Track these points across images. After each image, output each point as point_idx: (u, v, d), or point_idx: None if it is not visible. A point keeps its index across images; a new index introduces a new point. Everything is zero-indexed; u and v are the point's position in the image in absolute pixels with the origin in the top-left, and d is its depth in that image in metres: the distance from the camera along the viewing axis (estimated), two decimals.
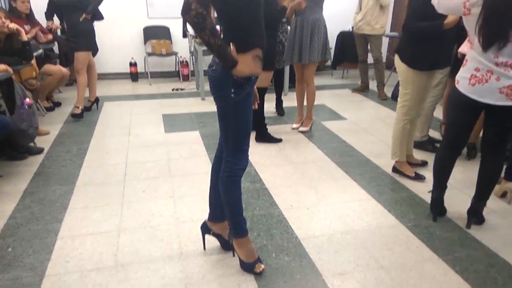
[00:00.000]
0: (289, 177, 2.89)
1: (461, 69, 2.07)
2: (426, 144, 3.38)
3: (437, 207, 2.34)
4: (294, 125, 3.94)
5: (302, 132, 3.83)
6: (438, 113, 3.73)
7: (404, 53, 2.62)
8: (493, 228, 2.28)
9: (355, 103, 4.97)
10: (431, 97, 3.19)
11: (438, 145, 3.40)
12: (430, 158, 3.12)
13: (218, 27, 1.54)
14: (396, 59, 2.67)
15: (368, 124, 4.13)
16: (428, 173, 2.88)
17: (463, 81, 2.02)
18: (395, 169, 2.92)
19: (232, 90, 1.55)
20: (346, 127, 4.02)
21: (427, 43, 2.51)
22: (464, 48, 2.84)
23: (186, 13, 1.36)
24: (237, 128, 1.65)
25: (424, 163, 3.06)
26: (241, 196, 1.80)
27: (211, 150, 3.34)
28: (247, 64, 1.51)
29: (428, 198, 2.47)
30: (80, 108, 4.12)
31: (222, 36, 1.53)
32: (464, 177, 2.86)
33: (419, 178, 2.83)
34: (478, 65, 1.94)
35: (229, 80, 1.53)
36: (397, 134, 2.81)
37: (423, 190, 2.68)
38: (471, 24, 1.91)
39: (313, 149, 3.44)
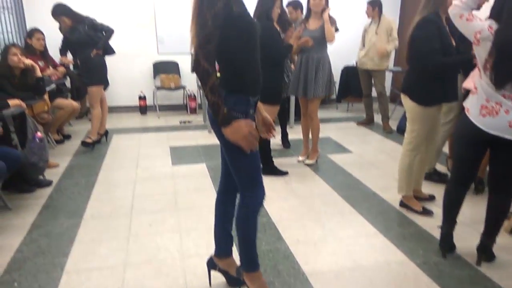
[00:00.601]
0: (296, 211, 2.89)
1: (471, 96, 2.08)
2: (432, 175, 3.38)
3: (447, 243, 2.30)
4: (300, 158, 3.96)
5: (308, 165, 3.85)
6: (444, 147, 3.74)
7: (414, 92, 2.59)
8: (504, 265, 2.23)
9: (360, 136, 5.00)
10: (443, 131, 3.22)
11: (445, 177, 3.41)
12: (437, 191, 3.11)
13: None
14: (405, 98, 2.66)
15: (374, 157, 4.14)
16: (436, 208, 2.86)
17: (474, 110, 2.03)
18: (402, 204, 2.91)
19: None
20: (352, 160, 4.03)
21: (440, 78, 2.51)
22: (468, 83, 2.89)
23: (196, 68, 1.46)
24: (246, 162, 1.66)
25: (431, 198, 3.04)
26: (256, 230, 1.80)
27: (217, 183, 3.33)
28: (238, 133, 1.52)
29: (436, 233, 2.44)
30: (92, 139, 4.21)
31: (219, 74, 1.59)
32: (472, 212, 2.83)
33: (427, 213, 2.81)
34: (488, 96, 1.96)
35: (231, 113, 1.54)
36: (404, 169, 2.80)
37: (431, 225, 2.66)
38: (481, 54, 1.95)
39: (319, 182, 3.44)
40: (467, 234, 2.53)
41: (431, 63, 2.41)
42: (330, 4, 3.56)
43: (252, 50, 1.58)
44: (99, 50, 3.99)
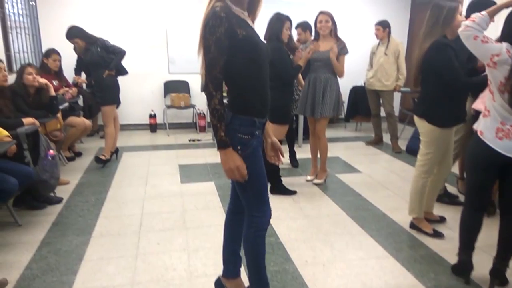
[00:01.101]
0: (304, 231, 2.87)
1: (483, 119, 2.06)
2: (442, 197, 3.35)
3: (467, 271, 2.22)
4: (309, 177, 3.95)
5: (316, 184, 3.84)
6: (454, 167, 3.71)
7: (432, 114, 2.57)
8: None
9: (369, 156, 4.99)
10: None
11: (455, 198, 3.37)
12: (448, 213, 3.08)
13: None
14: (421, 122, 2.62)
15: (383, 177, 4.11)
16: (446, 230, 2.82)
17: (488, 133, 2.01)
18: (413, 225, 2.87)
19: (239, 147, 1.60)
20: (361, 180, 4.01)
21: (458, 98, 2.53)
22: (477, 105, 2.89)
23: (204, 89, 1.57)
24: (253, 181, 1.67)
25: (442, 219, 3.00)
26: (265, 251, 1.79)
27: (226, 201, 3.33)
28: (226, 163, 1.58)
29: (447, 256, 2.40)
30: (105, 157, 4.28)
31: (227, 93, 1.65)
32: (484, 236, 2.75)
33: (438, 235, 2.76)
34: (503, 119, 1.95)
35: (235, 137, 1.59)
36: (416, 191, 2.77)
37: (443, 247, 2.61)
38: (496, 77, 1.94)
39: (328, 202, 3.42)
40: (480, 258, 2.47)
41: (461, 84, 2.43)
42: (338, 25, 3.62)
43: (257, 72, 1.61)
44: (111, 71, 4.08)
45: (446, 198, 3.36)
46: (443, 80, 2.44)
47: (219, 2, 1.52)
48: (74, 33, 4.06)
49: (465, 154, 2.43)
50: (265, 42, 1.72)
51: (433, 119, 2.57)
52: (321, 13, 3.58)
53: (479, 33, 1.94)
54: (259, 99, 1.64)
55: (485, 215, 2.91)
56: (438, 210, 3.15)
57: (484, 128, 2.04)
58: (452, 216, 3.05)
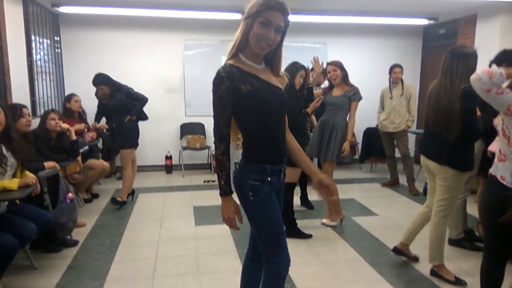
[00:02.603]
0: (321, 278, 2.80)
1: (501, 163, 2.02)
2: (463, 242, 3.26)
3: None
4: (324, 220, 3.90)
5: (330, 226, 3.79)
6: (473, 210, 3.63)
7: (456, 160, 2.56)
8: None
9: (385, 198, 4.91)
10: (461, 198, 3.19)
11: (476, 243, 3.26)
12: (468, 257, 2.97)
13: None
14: (443, 168, 2.60)
15: (400, 220, 4.02)
16: (468, 278, 2.72)
17: (509, 177, 1.97)
18: (433, 272, 2.77)
19: (250, 194, 1.66)
20: (378, 223, 3.93)
21: (472, 144, 2.62)
22: (493, 146, 2.87)
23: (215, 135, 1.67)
24: (268, 227, 1.69)
25: (416, 259, 3.03)
26: None
27: (240, 245, 3.32)
28: (223, 210, 1.68)
29: None
30: (122, 199, 4.35)
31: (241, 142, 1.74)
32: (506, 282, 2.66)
33: (460, 283, 2.66)
34: None
35: (247, 184, 1.66)
36: (437, 238, 2.71)
37: None
38: (511, 123, 1.94)
39: (345, 247, 3.35)
40: None
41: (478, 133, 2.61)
42: (347, 70, 3.73)
43: (265, 122, 1.66)
44: (132, 117, 4.23)
45: (467, 243, 3.26)
46: (469, 127, 2.49)
47: (232, 59, 1.66)
48: (100, 80, 4.26)
49: (481, 201, 2.38)
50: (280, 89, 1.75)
51: (458, 164, 2.56)
52: (328, 64, 3.76)
53: (493, 86, 1.90)
54: (269, 148, 1.69)
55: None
56: (459, 255, 3.05)
57: (503, 172, 2.00)
58: (474, 262, 2.95)
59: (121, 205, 4.35)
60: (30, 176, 2.78)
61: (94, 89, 4.99)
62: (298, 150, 1.85)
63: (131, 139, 4.35)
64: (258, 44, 1.59)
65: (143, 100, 4.27)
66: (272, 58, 1.73)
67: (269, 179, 1.68)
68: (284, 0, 1.60)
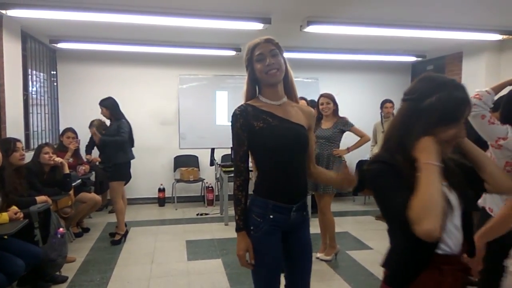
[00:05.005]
0: None
1: (488, 196, 2.03)
2: None
3: None
4: (318, 255, 3.86)
5: (325, 261, 3.75)
6: None
7: None
8: None
9: (379, 231, 4.89)
10: None
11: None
12: None
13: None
14: None
15: None
16: None
17: (497, 208, 1.96)
18: None
19: (252, 228, 1.69)
20: (373, 257, 3.89)
21: None
22: None
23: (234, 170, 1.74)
24: (257, 267, 1.69)
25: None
26: None
27: (233, 281, 3.26)
28: (238, 245, 1.68)
29: None
30: (121, 234, 4.33)
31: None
32: None
33: None
34: None
35: (251, 217, 1.70)
36: None
37: None
38: (499, 158, 1.94)
39: (340, 283, 3.31)
40: None
41: None
42: (338, 102, 3.83)
43: (275, 158, 1.68)
44: (99, 136, 4.22)
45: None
46: None
47: (252, 99, 1.73)
48: (107, 103, 4.32)
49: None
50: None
51: None
52: (321, 96, 3.84)
53: (486, 112, 1.94)
54: (276, 183, 1.69)
55: None
56: None
57: (491, 204, 2.03)
58: None
59: (123, 238, 4.33)
60: (12, 209, 2.77)
61: (88, 122, 5.06)
62: (322, 172, 1.90)
63: (121, 172, 4.31)
64: (267, 75, 1.67)
65: (117, 141, 4.19)
66: (286, 86, 1.77)
67: (271, 216, 1.67)
68: (272, 37, 1.71)
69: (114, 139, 4.19)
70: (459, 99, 1.21)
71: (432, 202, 1.09)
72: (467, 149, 1.33)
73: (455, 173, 1.29)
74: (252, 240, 1.67)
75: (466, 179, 1.31)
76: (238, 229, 1.68)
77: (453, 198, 1.26)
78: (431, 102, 1.20)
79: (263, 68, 1.65)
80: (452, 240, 1.26)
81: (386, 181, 1.25)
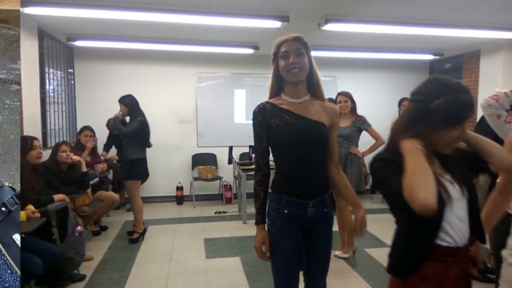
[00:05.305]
0: None
1: None
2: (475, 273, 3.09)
3: None
4: (336, 252, 3.77)
5: (343, 258, 3.67)
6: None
7: None
8: None
9: None
10: None
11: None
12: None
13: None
14: None
15: None
16: None
17: None
18: None
19: (269, 222, 1.76)
20: None
21: None
22: None
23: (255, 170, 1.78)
24: (275, 260, 1.74)
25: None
26: None
27: (251, 278, 3.20)
28: (256, 238, 1.73)
29: None
30: (139, 232, 4.30)
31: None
32: None
33: None
34: None
35: (269, 212, 1.77)
36: None
37: None
38: None
39: (358, 280, 3.22)
40: None
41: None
42: (356, 100, 3.78)
43: (288, 155, 1.71)
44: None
45: (478, 275, 3.08)
46: None
47: (274, 98, 1.77)
48: (127, 100, 4.24)
49: (493, 232, 2.27)
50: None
51: None
52: (339, 94, 3.78)
53: (502, 112, 1.97)
54: (289, 179, 1.72)
55: None
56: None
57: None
58: None
59: (142, 236, 4.31)
60: (29, 208, 2.77)
61: (106, 120, 5.07)
62: (343, 183, 1.88)
63: (136, 170, 4.24)
64: (288, 74, 1.68)
65: (126, 133, 4.15)
66: (310, 84, 1.77)
67: (286, 211, 1.70)
68: (301, 35, 1.71)
69: (118, 126, 4.14)
70: (465, 102, 1.26)
71: (418, 176, 1.17)
72: (467, 138, 1.37)
73: (458, 164, 1.36)
74: (269, 233, 1.73)
75: (467, 164, 1.37)
76: (256, 222, 1.73)
77: (455, 190, 1.31)
78: (438, 104, 1.26)
79: (286, 66, 1.67)
80: (456, 233, 1.30)
81: (385, 172, 1.33)
